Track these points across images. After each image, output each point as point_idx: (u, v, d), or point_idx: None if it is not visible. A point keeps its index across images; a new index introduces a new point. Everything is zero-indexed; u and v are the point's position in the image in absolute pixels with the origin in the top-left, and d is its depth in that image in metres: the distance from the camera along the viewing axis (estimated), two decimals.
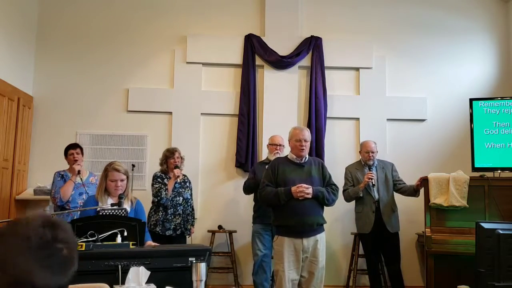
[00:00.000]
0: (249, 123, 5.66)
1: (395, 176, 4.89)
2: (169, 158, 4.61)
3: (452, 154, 5.83)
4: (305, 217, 3.55)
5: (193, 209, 4.77)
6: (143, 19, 5.92)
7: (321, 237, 3.65)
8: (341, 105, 5.88)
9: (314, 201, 3.60)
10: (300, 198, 3.52)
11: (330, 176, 3.80)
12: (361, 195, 4.76)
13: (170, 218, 4.51)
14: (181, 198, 4.57)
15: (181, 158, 4.69)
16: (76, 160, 4.36)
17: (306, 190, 3.53)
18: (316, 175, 3.70)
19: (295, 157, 3.72)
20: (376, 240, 4.72)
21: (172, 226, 4.51)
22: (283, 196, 3.54)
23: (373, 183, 4.69)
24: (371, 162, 4.83)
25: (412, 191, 4.81)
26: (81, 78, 5.76)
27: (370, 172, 4.72)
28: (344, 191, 4.90)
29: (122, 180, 3.41)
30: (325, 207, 3.76)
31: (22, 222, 1.03)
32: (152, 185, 4.60)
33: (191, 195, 4.74)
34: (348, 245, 5.58)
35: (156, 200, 4.52)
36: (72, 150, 4.40)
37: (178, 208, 4.55)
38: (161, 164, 4.69)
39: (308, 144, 3.75)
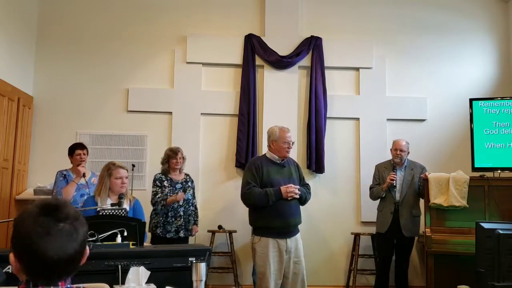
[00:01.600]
0: (249, 123, 5.66)
1: (421, 180, 4.79)
2: (172, 158, 4.60)
3: (452, 154, 5.83)
4: (290, 217, 3.59)
5: (196, 209, 4.76)
6: (143, 19, 5.91)
7: (299, 237, 3.72)
8: (341, 105, 5.88)
9: (297, 202, 3.64)
10: (289, 198, 3.54)
11: (303, 176, 3.88)
12: (383, 195, 4.77)
13: (171, 220, 4.50)
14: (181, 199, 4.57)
15: (183, 158, 4.69)
16: (83, 161, 4.36)
17: (295, 190, 3.56)
18: (294, 175, 3.74)
19: (276, 157, 3.69)
20: (391, 241, 4.73)
21: (174, 228, 4.50)
22: (273, 197, 3.52)
23: (395, 184, 4.68)
24: (398, 160, 4.79)
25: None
26: (81, 78, 5.76)
27: (393, 173, 4.71)
28: (370, 188, 4.92)
29: (126, 177, 3.47)
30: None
31: (24, 216, 1.20)
32: (152, 187, 4.61)
33: (193, 194, 4.73)
34: (348, 245, 5.58)
35: (152, 206, 4.54)
36: (79, 150, 4.35)
37: (179, 209, 4.53)
38: (162, 163, 4.68)
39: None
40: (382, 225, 4.75)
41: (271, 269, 3.53)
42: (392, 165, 4.85)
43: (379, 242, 4.91)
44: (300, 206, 3.76)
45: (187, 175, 4.75)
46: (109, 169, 3.46)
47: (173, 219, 4.50)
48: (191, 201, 4.66)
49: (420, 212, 4.78)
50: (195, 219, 4.72)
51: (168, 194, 4.51)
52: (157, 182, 4.58)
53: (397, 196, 4.72)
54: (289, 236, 3.60)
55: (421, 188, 4.78)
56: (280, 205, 3.55)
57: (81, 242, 1.24)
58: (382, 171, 4.88)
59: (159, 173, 4.68)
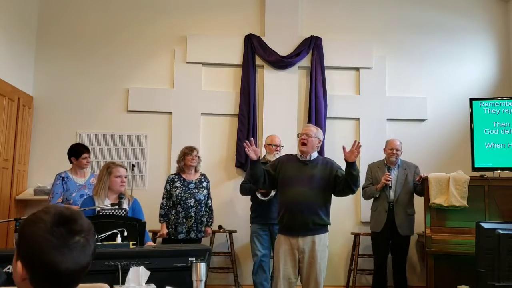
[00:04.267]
0: (249, 123, 5.66)
1: (416, 179, 4.81)
2: (187, 155, 4.63)
3: (452, 154, 5.83)
4: (297, 215, 3.47)
5: (210, 210, 4.77)
6: (143, 19, 5.92)
7: (320, 238, 3.51)
8: (341, 105, 5.88)
9: (313, 200, 3.49)
10: (252, 159, 3.45)
11: (339, 172, 3.61)
12: (377, 195, 4.78)
13: (181, 221, 4.52)
14: (192, 200, 4.56)
15: (198, 157, 4.72)
16: (88, 163, 4.37)
17: (356, 149, 3.40)
18: (319, 174, 3.55)
19: (300, 154, 3.67)
20: (387, 240, 4.73)
21: (185, 229, 4.52)
22: (248, 166, 3.56)
23: (390, 185, 4.69)
24: (394, 159, 4.80)
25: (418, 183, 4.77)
26: (81, 78, 5.76)
27: (388, 174, 4.71)
28: (363, 188, 4.92)
29: (126, 177, 3.49)
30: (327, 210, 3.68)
31: (40, 222, 1.15)
32: (164, 188, 4.68)
33: (207, 195, 4.73)
34: (348, 245, 5.58)
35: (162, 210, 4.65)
36: (86, 154, 4.32)
37: (190, 210, 4.54)
38: (178, 162, 4.70)
39: (312, 139, 3.59)
40: (377, 224, 4.75)
41: (281, 266, 3.50)
42: (385, 165, 4.86)
43: (375, 241, 4.91)
44: (320, 208, 3.52)
45: (202, 175, 4.76)
46: (108, 168, 3.47)
47: (184, 220, 4.52)
48: (203, 202, 4.64)
49: (414, 211, 4.79)
50: (208, 220, 4.72)
51: (180, 195, 4.55)
52: (167, 185, 4.64)
53: (392, 195, 4.73)
54: (302, 234, 3.48)
55: (417, 187, 4.79)
56: (289, 202, 3.52)
57: (92, 254, 1.23)
58: (375, 171, 4.90)
59: (173, 174, 4.73)
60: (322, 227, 3.56)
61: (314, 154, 3.66)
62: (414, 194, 4.84)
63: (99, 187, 3.45)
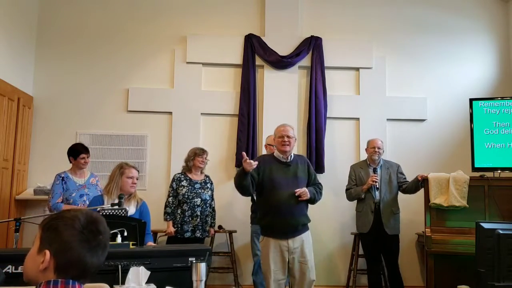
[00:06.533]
0: (249, 123, 5.66)
1: (400, 178, 4.83)
2: (198, 156, 4.66)
3: (452, 154, 5.83)
4: (289, 217, 3.54)
5: (214, 211, 4.81)
6: (143, 19, 5.92)
7: (306, 236, 3.65)
8: (341, 105, 5.88)
9: (300, 202, 3.58)
10: (246, 171, 3.41)
11: (315, 175, 3.82)
12: (362, 196, 4.76)
13: (187, 220, 4.55)
14: (199, 199, 4.60)
15: (207, 161, 4.75)
16: (86, 164, 4.37)
17: (300, 192, 3.52)
18: (302, 175, 3.67)
19: (281, 155, 3.70)
20: (375, 240, 4.72)
21: (190, 228, 4.55)
22: (239, 172, 3.51)
23: (377, 186, 4.69)
24: (376, 157, 4.80)
25: (416, 182, 4.74)
26: (81, 78, 5.76)
27: (375, 175, 4.70)
28: (347, 190, 4.90)
29: (137, 178, 3.56)
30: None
31: (74, 218, 1.34)
32: (169, 186, 4.71)
33: (211, 196, 4.77)
34: (348, 245, 5.58)
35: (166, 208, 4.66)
36: (84, 154, 4.33)
37: (196, 209, 4.57)
38: (187, 161, 4.72)
39: (292, 140, 3.69)
40: (364, 225, 4.73)
41: (271, 269, 3.54)
42: (368, 165, 4.86)
43: (364, 242, 4.89)
44: (306, 208, 3.71)
45: (207, 176, 4.81)
46: (121, 168, 3.53)
47: (190, 219, 4.55)
48: (208, 202, 4.69)
49: (399, 209, 4.79)
50: (212, 220, 4.77)
51: (186, 194, 4.57)
52: (173, 184, 4.66)
53: (377, 195, 4.72)
54: (292, 236, 3.56)
55: (406, 186, 4.78)
56: (280, 205, 3.54)
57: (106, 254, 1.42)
58: (358, 171, 4.89)
59: (179, 173, 4.75)
60: (306, 226, 3.70)
61: (291, 153, 3.73)
62: (398, 193, 4.83)
63: (111, 186, 3.49)
